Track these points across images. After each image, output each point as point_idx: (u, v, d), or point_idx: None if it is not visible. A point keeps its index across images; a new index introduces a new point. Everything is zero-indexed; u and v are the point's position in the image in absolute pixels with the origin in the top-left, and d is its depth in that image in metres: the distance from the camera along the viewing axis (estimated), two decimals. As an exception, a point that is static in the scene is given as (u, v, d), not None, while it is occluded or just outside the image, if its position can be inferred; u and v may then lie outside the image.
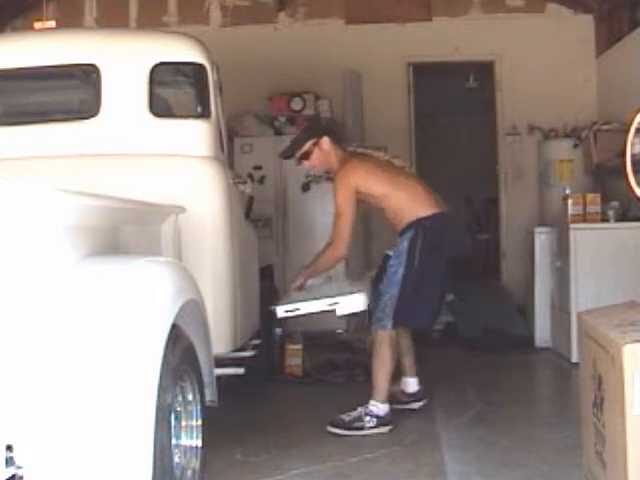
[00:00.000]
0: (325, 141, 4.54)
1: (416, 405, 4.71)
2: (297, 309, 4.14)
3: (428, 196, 4.53)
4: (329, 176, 7.68)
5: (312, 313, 4.23)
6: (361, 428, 4.29)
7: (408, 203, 4.46)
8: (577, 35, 8.21)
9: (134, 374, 2.35)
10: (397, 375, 4.66)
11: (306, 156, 4.59)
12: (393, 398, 4.57)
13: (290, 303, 4.20)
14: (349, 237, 4.41)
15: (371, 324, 4.44)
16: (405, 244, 4.37)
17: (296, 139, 4.69)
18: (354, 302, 4.15)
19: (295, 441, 4.13)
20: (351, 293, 4.19)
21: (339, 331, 7.42)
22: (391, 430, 4.31)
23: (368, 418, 4.32)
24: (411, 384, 4.76)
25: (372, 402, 4.36)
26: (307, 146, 4.56)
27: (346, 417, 4.34)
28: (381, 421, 4.32)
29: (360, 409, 4.35)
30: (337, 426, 4.31)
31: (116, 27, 6.77)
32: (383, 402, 4.36)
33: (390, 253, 4.47)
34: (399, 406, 4.62)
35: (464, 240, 4.67)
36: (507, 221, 8.55)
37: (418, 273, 4.35)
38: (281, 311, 4.15)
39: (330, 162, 4.59)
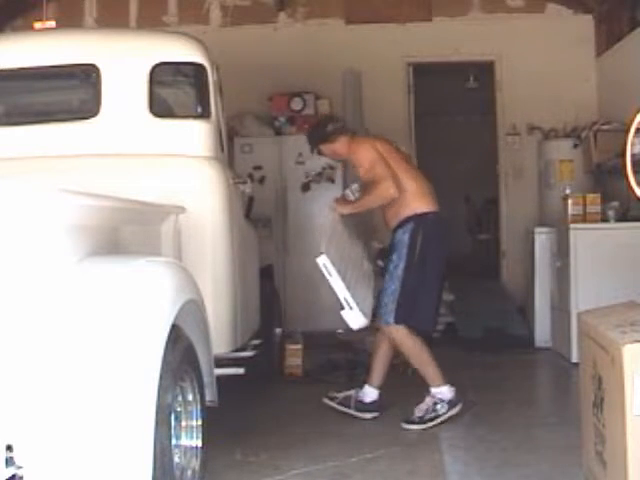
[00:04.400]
0: (322, 148, 4.72)
1: (369, 415, 4.58)
2: (330, 274, 4.16)
3: (430, 193, 4.57)
4: (329, 176, 7.75)
5: (332, 289, 4.25)
6: (436, 417, 4.35)
7: (410, 195, 4.48)
8: (577, 35, 8.21)
9: (134, 374, 2.35)
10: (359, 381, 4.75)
11: (319, 152, 4.82)
12: (346, 401, 4.59)
13: (331, 267, 4.15)
14: (392, 179, 4.37)
15: (375, 320, 4.47)
16: (406, 238, 4.40)
17: (309, 142, 4.85)
18: (356, 320, 4.21)
19: (295, 441, 4.13)
20: (361, 311, 4.22)
21: (339, 331, 7.42)
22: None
23: (439, 406, 4.38)
24: (370, 394, 4.64)
25: (433, 390, 4.41)
26: (315, 150, 4.79)
27: (419, 412, 4.38)
28: (452, 404, 4.39)
29: (428, 399, 4.41)
30: (413, 422, 4.35)
31: (116, 27, 6.77)
32: (442, 385, 4.42)
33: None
34: (346, 410, 4.59)
35: (450, 243, 4.69)
36: (507, 221, 8.54)
37: (418, 268, 4.37)
38: (322, 261, 4.13)
39: (339, 154, 4.76)
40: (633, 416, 2.52)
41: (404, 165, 4.59)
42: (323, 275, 4.17)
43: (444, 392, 4.41)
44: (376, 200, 4.49)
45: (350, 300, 4.18)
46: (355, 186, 4.77)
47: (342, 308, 4.20)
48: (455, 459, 3.82)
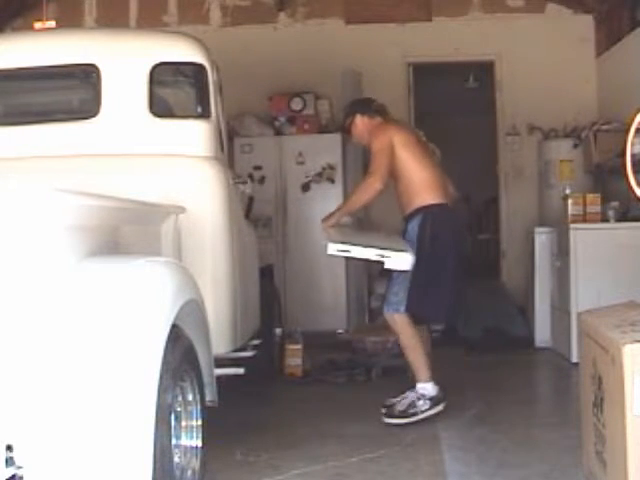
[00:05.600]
0: (358, 118, 4.77)
1: (436, 409, 4.52)
2: (348, 251, 4.09)
3: (441, 186, 4.61)
4: (329, 176, 7.75)
5: (360, 259, 4.20)
6: (416, 413, 4.34)
7: (424, 184, 4.53)
8: (577, 35, 8.22)
9: (134, 374, 2.35)
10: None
11: (349, 131, 4.88)
12: (410, 405, 4.56)
13: (342, 243, 4.11)
14: (386, 172, 4.47)
15: (384, 308, 4.48)
16: (415, 230, 4.43)
17: (349, 111, 4.95)
18: (404, 260, 4.15)
19: (295, 441, 4.13)
20: (400, 250, 4.18)
21: (339, 331, 7.43)
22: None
23: (421, 402, 4.37)
24: (429, 389, 4.61)
25: (419, 385, 4.41)
26: (347, 124, 4.84)
27: (400, 406, 4.38)
28: (434, 401, 4.38)
29: (411, 394, 4.40)
30: (394, 416, 4.34)
31: (116, 27, 6.77)
32: (428, 381, 4.41)
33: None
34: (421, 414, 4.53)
35: (465, 239, 4.71)
36: (507, 221, 8.55)
37: (429, 258, 4.37)
38: (333, 249, 4.07)
39: (368, 135, 4.75)
40: (633, 416, 2.52)
41: (419, 156, 4.61)
42: (347, 258, 4.10)
43: (428, 389, 4.40)
44: (361, 197, 4.57)
45: (384, 251, 4.12)
46: (346, 219, 4.73)
47: (383, 264, 4.15)
48: (455, 459, 3.81)
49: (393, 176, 4.62)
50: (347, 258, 4.22)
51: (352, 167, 7.74)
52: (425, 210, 4.46)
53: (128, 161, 3.99)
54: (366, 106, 4.86)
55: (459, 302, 4.82)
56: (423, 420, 4.49)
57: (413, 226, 4.46)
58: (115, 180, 3.71)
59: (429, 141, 5.01)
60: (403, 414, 4.35)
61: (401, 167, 4.55)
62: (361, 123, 4.76)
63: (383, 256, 4.12)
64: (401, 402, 4.39)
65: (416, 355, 4.44)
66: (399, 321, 4.45)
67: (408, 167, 4.54)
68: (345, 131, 5.00)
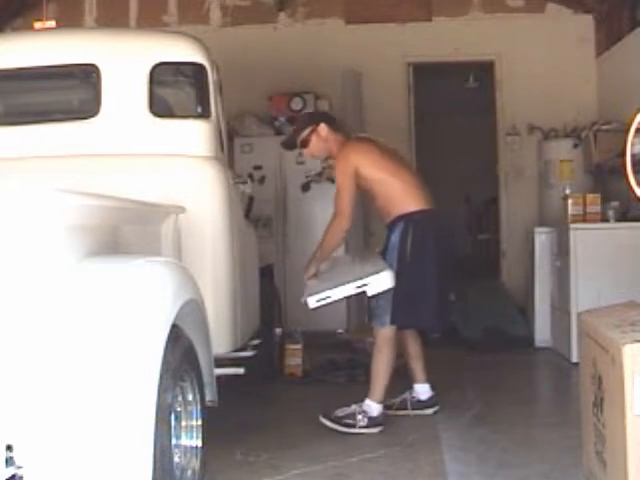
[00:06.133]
0: (322, 127, 4.57)
1: (429, 411, 4.65)
2: (328, 297, 4.07)
3: (421, 192, 4.52)
4: (329, 176, 7.75)
5: (344, 298, 4.19)
6: (352, 425, 4.30)
7: (401, 194, 4.45)
8: (577, 35, 8.22)
9: (134, 374, 2.35)
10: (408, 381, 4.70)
11: (305, 144, 4.63)
12: (404, 405, 4.60)
13: (319, 292, 4.10)
14: (351, 209, 4.42)
15: (370, 321, 4.43)
16: (396, 239, 4.37)
17: (295, 128, 4.77)
18: (383, 280, 4.13)
19: (295, 441, 4.13)
20: (377, 272, 4.16)
21: (339, 331, 7.43)
22: (381, 431, 4.30)
23: (360, 417, 4.32)
24: (423, 391, 4.69)
25: (367, 401, 4.36)
26: (305, 133, 4.60)
27: (340, 412, 4.35)
28: (373, 422, 4.32)
29: (355, 406, 4.36)
30: (329, 419, 4.32)
31: (116, 27, 6.77)
32: (378, 402, 4.36)
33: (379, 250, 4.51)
34: (412, 412, 4.60)
35: (454, 240, 4.65)
36: (507, 221, 8.55)
37: (412, 267, 4.33)
38: (313, 301, 4.04)
39: (329, 148, 4.60)
40: (633, 416, 2.52)
41: (392, 168, 4.52)
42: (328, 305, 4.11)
43: (374, 409, 4.34)
44: (331, 242, 4.52)
45: (362, 280, 4.10)
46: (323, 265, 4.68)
47: (365, 292, 4.13)
48: (455, 459, 3.81)
49: (369, 195, 4.59)
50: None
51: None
52: (407, 218, 4.39)
53: (128, 161, 3.99)
54: (330, 118, 4.72)
55: (447, 304, 4.76)
56: (422, 420, 4.50)
57: (395, 236, 4.39)
58: (115, 180, 3.71)
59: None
60: (338, 420, 4.31)
61: (375, 186, 4.48)
62: (323, 133, 4.56)
63: (363, 285, 4.10)
64: (342, 409, 4.36)
65: (382, 375, 4.37)
66: (381, 337, 4.37)
67: (383, 183, 4.45)
68: (300, 143, 4.64)
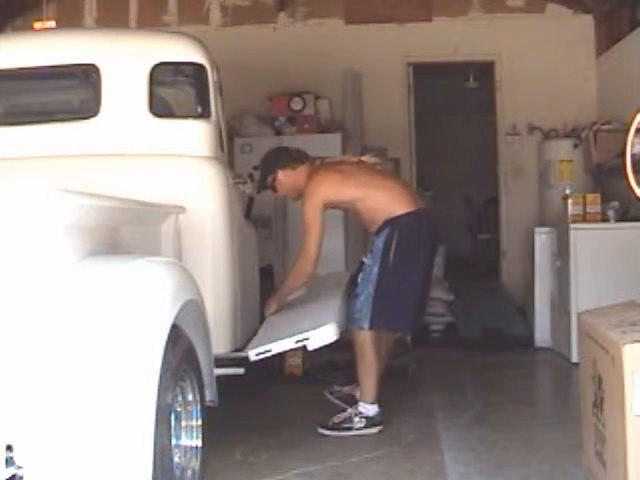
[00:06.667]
0: (280, 174, 4.56)
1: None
2: (268, 350, 4.00)
3: (404, 194, 4.50)
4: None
5: (285, 351, 4.17)
6: (350, 429, 4.29)
7: (383, 203, 4.42)
8: (577, 35, 8.21)
9: (134, 374, 2.36)
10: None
11: (274, 189, 4.65)
12: (350, 399, 4.52)
13: (260, 346, 4.05)
14: (317, 253, 4.38)
15: (348, 325, 4.36)
16: (380, 243, 4.34)
17: (259, 177, 4.72)
18: (324, 335, 3.99)
19: (295, 441, 4.13)
20: (319, 326, 4.03)
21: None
22: (381, 431, 4.30)
23: (357, 419, 4.31)
24: (370, 410, 4.47)
25: (361, 404, 4.36)
26: (269, 181, 4.62)
27: (336, 419, 4.34)
28: (370, 422, 4.31)
29: (350, 410, 4.36)
30: (327, 428, 4.31)
31: (116, 27, 6.77)
32: (372, 403, 4.35)
33: (364, 260, 4.43)
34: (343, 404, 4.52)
35: (438, 237, 4.59)
36: (507, 221, 8.55)
37: (393, 272, 4.31)
38: (253, 355, 3.99)
39: (297, 185, 4.56)
40: (633, 416, 2.52)
41: (370, 180, 4.51)
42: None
43: (369, 409, 4.33)
44: (293, 283, 4.54)
45: (302, 334, 3.99)
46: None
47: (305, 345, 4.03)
48: (455, 459, 3.81)
49: (353, 211, 4.59)
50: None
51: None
52: (392, 222, 4.35)
53: (128, 161, 3.99)
54: (284, 159, 4.61)
55: (425, 305, 4.76)
56: (422, 420, 4.50)
57: (378, 240, 4.35)
58: (115, 180, 3.71)
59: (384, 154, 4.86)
60: (336, 426, 4.30)
61: (358, 204, 4.47)
62: (285, 178, 4.55)
63: (302, 340, 3.99)
64: (338, 415, 4.35)
65: (369, 377, 4.35)
66: (360, 341, 4.34)
67: (366, 198, 4.42)
68: (269, 188, 4.66)
